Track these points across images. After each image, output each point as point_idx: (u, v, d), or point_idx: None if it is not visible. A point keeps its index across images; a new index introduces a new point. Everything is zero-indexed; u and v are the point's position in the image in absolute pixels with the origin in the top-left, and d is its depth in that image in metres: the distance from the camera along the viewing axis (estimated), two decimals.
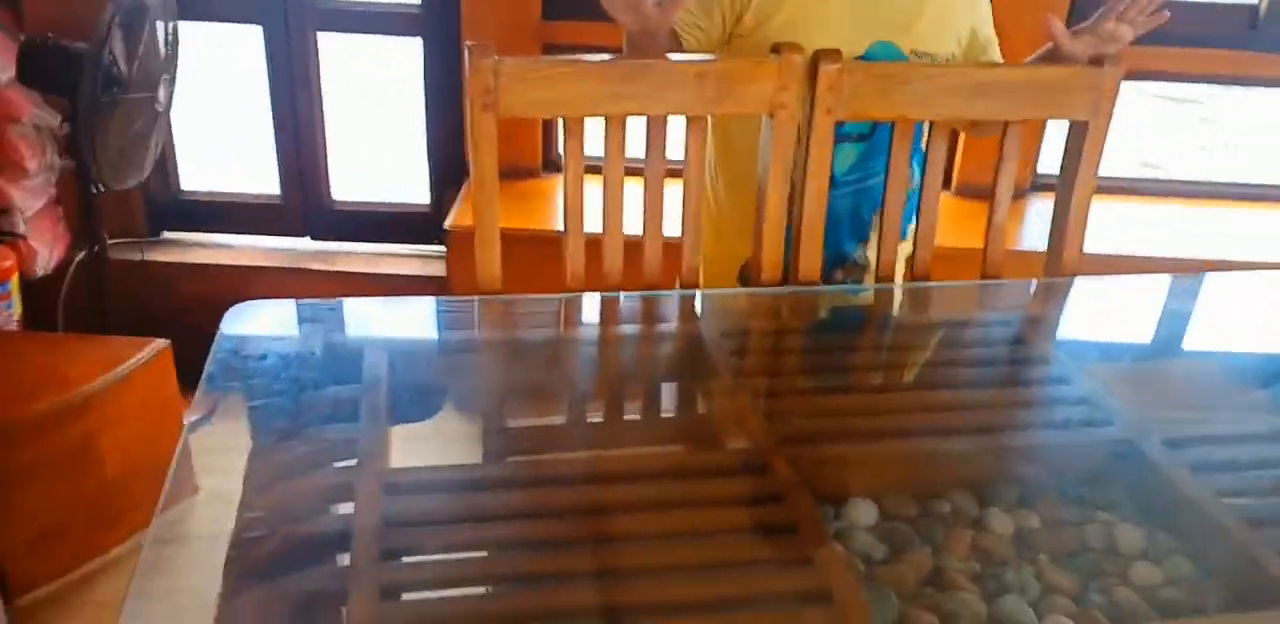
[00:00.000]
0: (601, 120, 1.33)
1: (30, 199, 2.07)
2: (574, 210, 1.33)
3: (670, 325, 1.44)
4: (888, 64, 1.38)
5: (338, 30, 2.29)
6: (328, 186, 2.46)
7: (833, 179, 1.43)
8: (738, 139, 1.46)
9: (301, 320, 1.29)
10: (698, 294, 1.43)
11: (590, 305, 1.38)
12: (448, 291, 2.27)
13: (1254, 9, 2.20)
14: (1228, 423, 1.18)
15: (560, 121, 1.33)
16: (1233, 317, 1.47)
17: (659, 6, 1.26)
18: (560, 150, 2.39)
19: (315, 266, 2.40)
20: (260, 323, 1.27)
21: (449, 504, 1.00)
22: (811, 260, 1.40)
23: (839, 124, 1.38)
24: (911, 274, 1.46)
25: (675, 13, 1.30)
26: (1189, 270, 1.50)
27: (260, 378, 1.15)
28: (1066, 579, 0.95)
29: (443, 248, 2.32)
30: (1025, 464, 1.13)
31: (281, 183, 2.43)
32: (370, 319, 1.34)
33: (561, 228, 1.35)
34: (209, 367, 1.15)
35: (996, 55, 1.50)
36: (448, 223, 2.18)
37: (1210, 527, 1.00)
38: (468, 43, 1.24)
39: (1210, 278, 1.50)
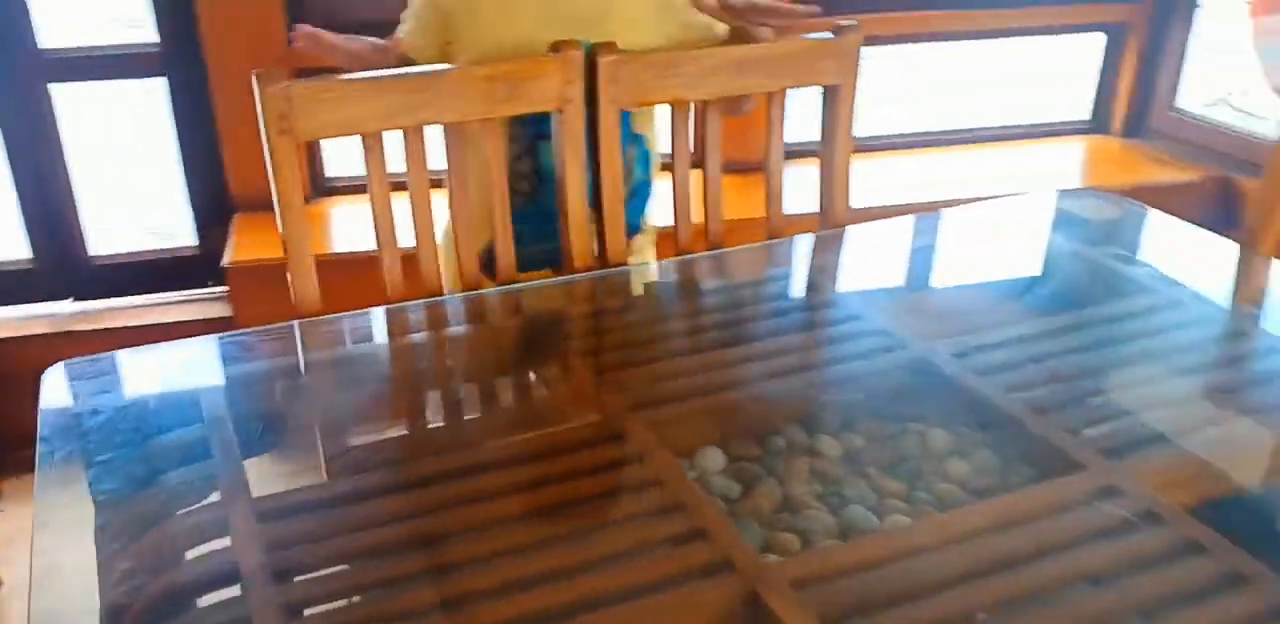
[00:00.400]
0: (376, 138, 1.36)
1: None
2: (384, 224, 1.35)
3: (496, 322, 1.48)
4: (661, 52, 1.46)
5: (74, 80, 2.18)
6: (84, 243, 2.34)
7: (545, 175, 1.48)
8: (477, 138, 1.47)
9: (120, 374, 1.26)
10: (519, 288, 1.48)
11: (414, 315, 1.40)
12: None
13: None
14: (998, 331, 1.32)
15: (345, 140, 1.36)
16: (977, 244, 1.67)
17: (379, 52, 1.46)
18: (329, 174, 2.39)
19: (83, 328, 2.27)
20: (78, 383, 1.23)
21: (323, 522, 1.02)
22: (617, 246, 1.49)
23: (538, 122, 1.45)
24: (706, 244, 1.57)
25: (398, 49, 1.46)
26: (935, 210, 1.68)
27: (97, 434, 1.13)
28: (895, 484, 1.06)
29: (221, 288, 2.25)
30: (841, 393, 1.25)
31: (31, 246, 2.30)
32: (192, 360, 1.32)
33: (346, 250, 1.35)
34: (41, 431, 1.11)
35: (721, 29, 1.54)
36: (226, 260, 2.13)
37: (1004, 419, 1.14)
38: (254, 71, 1.24)
39: (948, 213, 1.69)
